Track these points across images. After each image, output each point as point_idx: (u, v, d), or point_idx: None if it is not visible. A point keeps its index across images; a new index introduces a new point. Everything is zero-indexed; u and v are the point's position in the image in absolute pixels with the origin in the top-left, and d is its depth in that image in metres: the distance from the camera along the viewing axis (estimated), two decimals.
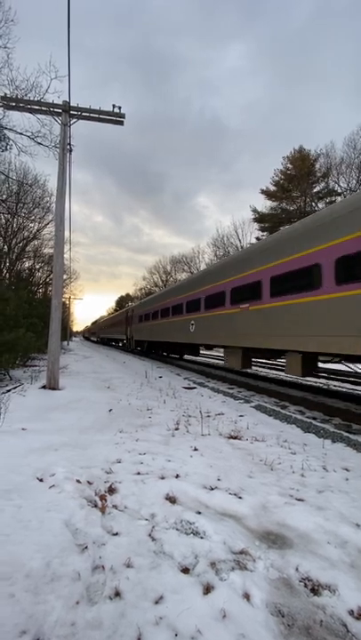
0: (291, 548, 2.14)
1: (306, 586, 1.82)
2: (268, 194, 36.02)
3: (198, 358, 18.62)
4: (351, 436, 4.56)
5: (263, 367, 14.92)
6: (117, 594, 1.68)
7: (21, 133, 10.27)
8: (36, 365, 11.95)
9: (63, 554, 1.93)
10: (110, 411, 5.65)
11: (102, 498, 2.65)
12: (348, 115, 56.23)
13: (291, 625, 1.57)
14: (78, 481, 2.87)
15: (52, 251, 13.37)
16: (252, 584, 1.79)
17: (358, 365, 6.81)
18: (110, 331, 35.55)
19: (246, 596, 1.71)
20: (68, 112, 8.07)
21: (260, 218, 36.73)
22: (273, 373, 12.69)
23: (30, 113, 8.61)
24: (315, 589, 1.79)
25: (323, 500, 2.71)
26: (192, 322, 11.19)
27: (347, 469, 3.45)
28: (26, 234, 21.48)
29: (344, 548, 2.11)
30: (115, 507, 2.54)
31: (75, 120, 8.23)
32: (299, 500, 2.73)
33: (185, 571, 1.88)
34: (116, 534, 2.19)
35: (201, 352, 18.49)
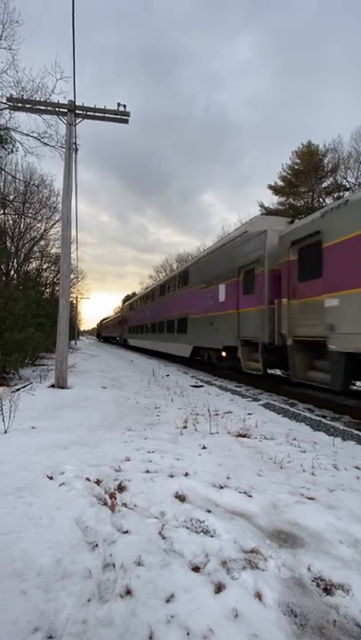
0: (302, 547, 2.12)
1: (318, 585, 1.79)
2: (275, 189, 35.65)
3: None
4: None
5: None
6: (128, 592, 1.68)
7: (28, 134, 10.38)
8: (44, 364, 12.07)
9: (74, 551, 1.94)
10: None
11: (112, 496, 2.66)
12: (356, 108, 55.21)
13: (303, 625, 1.55)
14: (88, 479, 2.89)
15: (59, 251, 13.46)
16: (263, 583, 1.77)
17: None
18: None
19: (258, 596, 1.69)
20: (73, 112, 8.09)
21: (267, 214, 36.44)
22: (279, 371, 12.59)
23: (36, 113, 8.67)
24: (327, 589, 1.76)
25: (334, 499, 2.68)
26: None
27: (358, 468, 3.40)
28: (33, 234, 21.68)
29: (357, 548, 2.08)
30: (124, 505, 2.54)
31: (80, 119, 8.25)
32: (310, 498, 2.70)
33: (196, 569, 1.87)
34: (127, 532, 2.19)
35: None
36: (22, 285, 15.71)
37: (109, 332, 43.82)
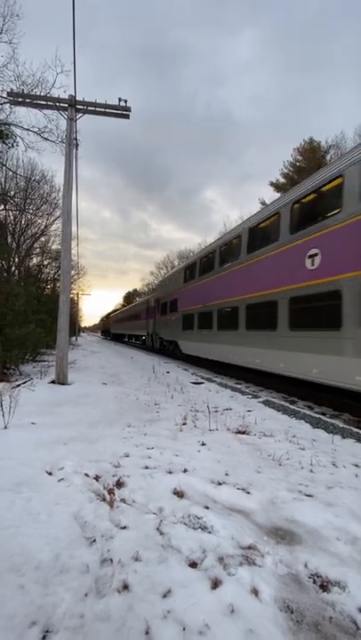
0: (300, 543, 2.12)
1: (315, 582, 1.80)
2: (277, 186, 35.44)
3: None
4: None
5: None
6: (126, 587, 1.69)
7: (28, 129, 10.31)
8: (44, 361, 12.10)
9: (72, 546, 1.95)
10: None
11: (110, 492, 2.67)
12: (359, 107, 54.66)
13: (300, 621, 1.56)
14: (87, 475, 2.90)
15: (59, 247, 13.44)
16: (260, 579, 1.78)
17: None
18: None
19: (255, 592, 1.70)
20: (73, 106, 8.03)
21: None
22: None
23: (36, 108, 8.61)
24: (324, 586, 1.77)
25: (332, 497, 2.68)
26: None
27: (357, 465, 3.40)
28: (34, 230, 21.63)
29: (355, 545, 2.09)
30: (123, 500, 2.55)
31: (81, 114, 8.19)
32: (308, 495, 2.70)
33: (193, 565, 1.88)
34: (125, 528, 2.20)
35: None
36: (23, 281, 15.72)
37: (124, 329, 29.97)
